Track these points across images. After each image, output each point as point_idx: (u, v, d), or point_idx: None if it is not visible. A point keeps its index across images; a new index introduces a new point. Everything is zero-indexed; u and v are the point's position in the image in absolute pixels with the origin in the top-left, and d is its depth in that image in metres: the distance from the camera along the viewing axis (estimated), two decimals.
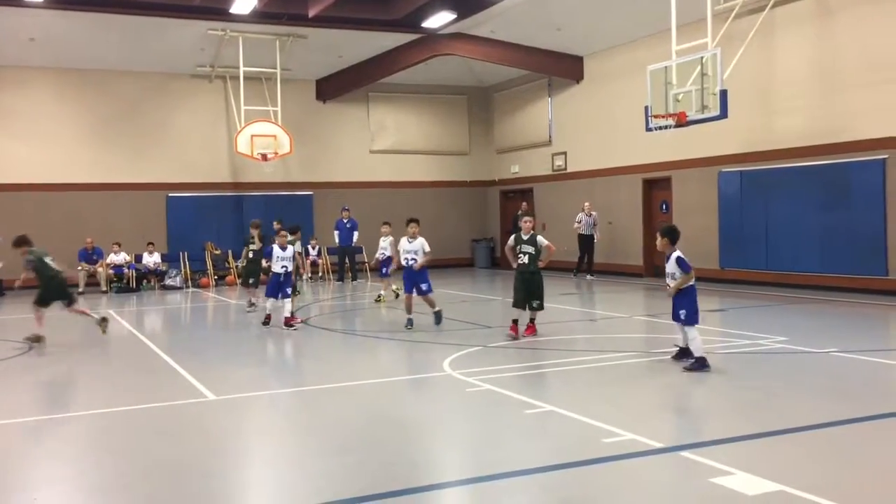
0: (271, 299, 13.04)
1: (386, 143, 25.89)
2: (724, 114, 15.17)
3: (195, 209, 23.19)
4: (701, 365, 8.75)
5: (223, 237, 23.26)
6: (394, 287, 16.37)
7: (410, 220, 12.63)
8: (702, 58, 15.41)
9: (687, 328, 8.96)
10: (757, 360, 9.44)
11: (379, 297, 16.42)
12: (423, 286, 12.43)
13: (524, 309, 11.13)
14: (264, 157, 22.00)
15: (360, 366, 10.20)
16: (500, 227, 26.86)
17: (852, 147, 15.66)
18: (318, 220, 24.23)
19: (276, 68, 22.38)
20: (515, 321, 11.09)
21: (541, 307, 11.27)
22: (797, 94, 16.76)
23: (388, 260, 15.72)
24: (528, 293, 11.07)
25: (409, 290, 12.51)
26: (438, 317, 12.53)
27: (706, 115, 15.42)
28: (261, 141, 22.08)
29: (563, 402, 7.34)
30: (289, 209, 23.86)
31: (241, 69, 21.81)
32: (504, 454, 6.02)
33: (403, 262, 12.53)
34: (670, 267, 9.07)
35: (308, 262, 23.08)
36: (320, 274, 22.96)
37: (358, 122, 25.52)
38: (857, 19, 15.59)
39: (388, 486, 5.24)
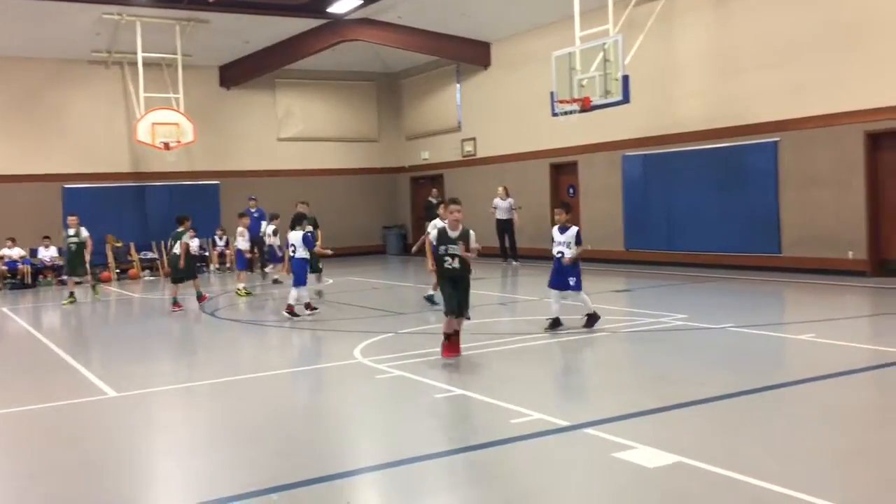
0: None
1: (294, 131, 25.50)
2: (626, 99, 15.53)
3: (94, 201, 22.27)
4: (596, 319, 10.16)
5: (125, 229, 22.49)
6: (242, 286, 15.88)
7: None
8: (604, 44, 15.72)
9: (577, 293, 10.16)
10: (658, 338, 9.75)
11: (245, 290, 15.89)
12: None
13: (460, 316, 8.71)
14: (166, 145, 21.34)
15: (269, 356, 10.06)
16: (411, 214, 26.88)
17: (748, 130, 16.28)
18: (225, 209, 23.69)
19: (176, 54, 21.69)
20: (449, 337, 8.73)
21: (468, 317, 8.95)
22: (696, 79, 17.31)
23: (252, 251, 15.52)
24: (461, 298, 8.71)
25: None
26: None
27: (609, 100, 15.74)
28: (162, 129, 21.39)
29: (473, 385, 7.41)
30: (194, 199, 23.29)
31: (140, 55, 21.06)
32: (414, 439, 6.04)
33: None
34: (566, 237, 10.13)
35: (215, 253, 22.65)
36: (228, 265, 22.47)
37: (264, 110, 25.04)
38: (751, 6, 16.18)
39: (298, 475, 5.20)
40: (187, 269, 14.40)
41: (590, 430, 5.87)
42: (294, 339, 11.12)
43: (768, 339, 9.44)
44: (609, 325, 10.30)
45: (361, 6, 20.68)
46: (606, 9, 16.14)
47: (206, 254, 22.84)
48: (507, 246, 20.94)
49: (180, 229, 14.26)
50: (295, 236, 12.63)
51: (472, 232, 8.64)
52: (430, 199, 25.57)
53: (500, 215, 20.98)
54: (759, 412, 6.38)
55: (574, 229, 10.16)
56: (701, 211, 17.31)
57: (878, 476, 4.87)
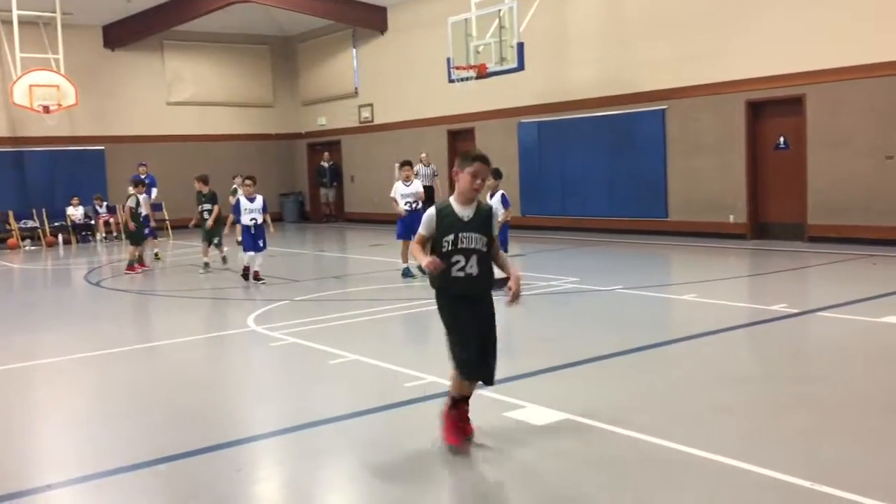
0: (250, 252, 12.14)
1: (184, 95, 24.64)
2: (521, 66, 15.71)
3: None
4: (504, 283, 10.01)
5: (2, 197, 21.32)
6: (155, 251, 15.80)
7: (405, 163, 12.13)
8: (499, 11, 15.81)
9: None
10: (550, 301, 10.01)
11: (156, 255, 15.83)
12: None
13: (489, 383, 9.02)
14: (46, 108, 20.27)
15: (160, 326, 9.81)
16: (308, 181, 26.52)
17: (637, 98, 16.75)
18: (111, 176, 22.76)
19: (55, 12, 20.55)
20: (458, 404, 9.63)
21: None
22: (589, 48, 17.64)
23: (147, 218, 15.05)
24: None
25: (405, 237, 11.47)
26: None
27: (505, 67, 15.91)
28: (41, 91, 20.30)
29: (368, 350, 7.43)
30: (78, 165, 22.31)
31: (15, 12, 19.83)
32: (308, 404, 6.04)
33: (406, 208, 11.98)
34: (494, 203, 10.25)
35: (100, 221, 21.76)
36: (115, 234, 21.62)
37: (152, 73, 24.07)
38: None
39: (189, 445, 5.11)
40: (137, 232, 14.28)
41: (482, 391, 5.99)
42: (187, 309, 10.85)
43: (654, 300, 9.83)
44: (503, 290, 10.47)
45: None
46: None
47: (92, 222, 21.94)
48: None
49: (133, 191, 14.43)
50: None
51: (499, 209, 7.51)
52: (323, 163, 25.29)
53: (422, 181, 20.41)
54: (642, 369, 6.66)
55: (500, 193, 10.58)
56: (593, 177, 17.75)
57: (747, 427, 5.18)
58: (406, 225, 11.66)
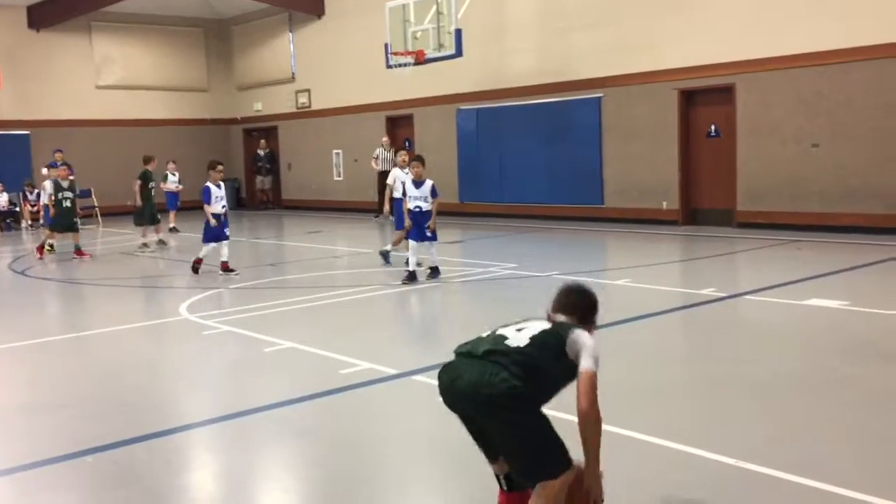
0: (212, 244, 11.40)
1: (114, 78, 23.93)
2: (459, 52, 15.69)
3: None
4: (438, 272, 10.42)
5: None
6: (50, 241, 14.82)
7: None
8: None
9: (431, 244, 10.35)
10: (487, 287, 10.06)
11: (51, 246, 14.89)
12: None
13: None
14: None
15: (90, 315, 9.54)
16: (245, 167, 26.11)
17: (573, 86, 16.91)
18: (37, 161, 21.99)
19: None
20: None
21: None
22: (526, 35, 17.72)
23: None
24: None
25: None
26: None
27: (443, 53, 15.86)
28: None
29: (303, 338, 7.36)
30: (2, 150, 21.52)
31: None
32: (242, 392, 5.96)
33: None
34: (422, 191, 10.33)
35: (27, 208, 21.07)
36: (41, 221, 20.89)
37: (80, 54, 23.31)
38: None
39: (118, 435, 4.99)
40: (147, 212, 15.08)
41: (417, 377, 6.01)
42: (117, 298, 10.58)
43: (589, 285, 9.93)
44: (441, 276, 10.51)
45: None
46: None
47: (17, 209, 21.21)
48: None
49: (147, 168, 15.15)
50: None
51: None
52: (259, 151, 24.93)
53: (383, 167, 19.18)
54: None
55: (429, 183, 10.38)
56: (531, 164, 17.88)
57: (676, 407, 5.30)
58: (416, 223, 10.44)
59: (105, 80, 23.77)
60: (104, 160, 21.64)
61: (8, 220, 20.98)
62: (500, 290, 9.86)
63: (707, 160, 15.43)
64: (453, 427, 4.99)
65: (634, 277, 10.01)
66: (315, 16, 22.76)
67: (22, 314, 9.89)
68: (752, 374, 5.89)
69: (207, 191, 11.30)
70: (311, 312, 8.78)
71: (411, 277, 10.16)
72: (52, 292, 11.32)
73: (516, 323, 3.62)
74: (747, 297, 8.69)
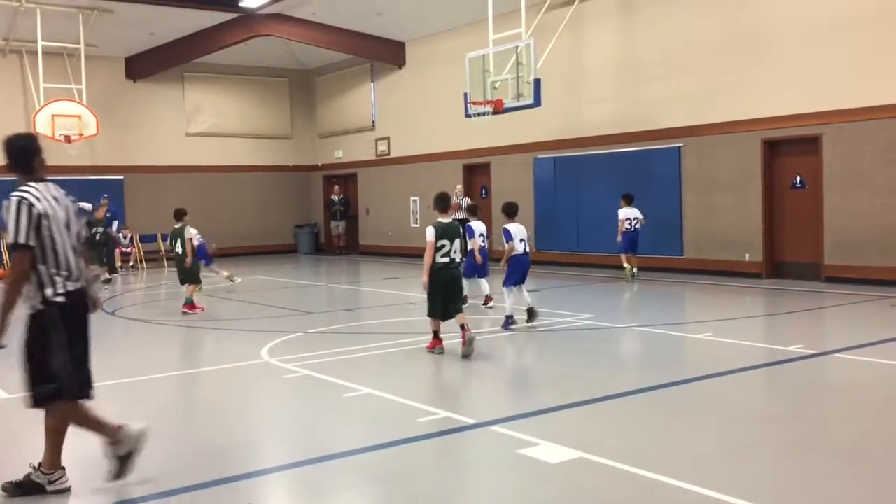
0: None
1: (203, 126, 24.92)
2: (537, 102, 15.79)
3: None
4: (512, 321, 10.47)
5: None
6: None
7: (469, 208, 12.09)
8: (517, 47, 15.95)
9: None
10: (565, 337, 9.96)
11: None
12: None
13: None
14: (67, 138, 20.54)
15: (174, 356, 9.81)
16: (324, 213, 26.67)
17: (652, 135, 16.80)
18: (130, 205, 22.98)
19: (79, 44, 20.92)
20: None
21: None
22: (605, 84, 17.75)
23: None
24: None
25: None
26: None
27: (521, 102, 15.98)
28: (63, 121, 20.58)
29: (381, 384, 7.41)
30: (98, 195, 22.51)
31: (40, 43, 20.22)
32: (321, 438, 6.02)
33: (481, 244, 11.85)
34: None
35: (119, 251, 21.92)
36: (132, 263, 21.79)
37: (172, 104, 24.39)
38: (655, 17, 16.71)
39: (200, 477, 5.10)
40: (193, 270, 12.96)
41: (496, 428, 5.97)
42: (200, 340, 10.88)
43: (668, 338, 9.77)
44: (517, 326, 10.47)
45: (275, 1, 20.38)
46: (519, 13, 16.37)
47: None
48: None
49: (178, 225, 12.91)
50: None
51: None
52: (333, 196, 25.39)
53: (459, 215, 19.69)
54: (656, 408, 6.60)
55: (503, 226, 10.81)
56: (608, 213, 17.71)
57: (764, 468, 5.12)
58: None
59: (195, 127, 24.77)
60: (193, 204, 22.35)
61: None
62: (577, 340, 9.74)
63: (792, 212, 15.04)
64: (533, 480, 4.95)
65: (716, 331, 9.76)
66: (396, 66, 23.31)
67: (111, 354, 10.23)
68: (842, 436, 5.66)
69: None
70: (388, 358, 8.84)
71: (530, 316, 10.40)
72: (139, 332, 11.68)
73: None
74: (837, 355, 8.37)
